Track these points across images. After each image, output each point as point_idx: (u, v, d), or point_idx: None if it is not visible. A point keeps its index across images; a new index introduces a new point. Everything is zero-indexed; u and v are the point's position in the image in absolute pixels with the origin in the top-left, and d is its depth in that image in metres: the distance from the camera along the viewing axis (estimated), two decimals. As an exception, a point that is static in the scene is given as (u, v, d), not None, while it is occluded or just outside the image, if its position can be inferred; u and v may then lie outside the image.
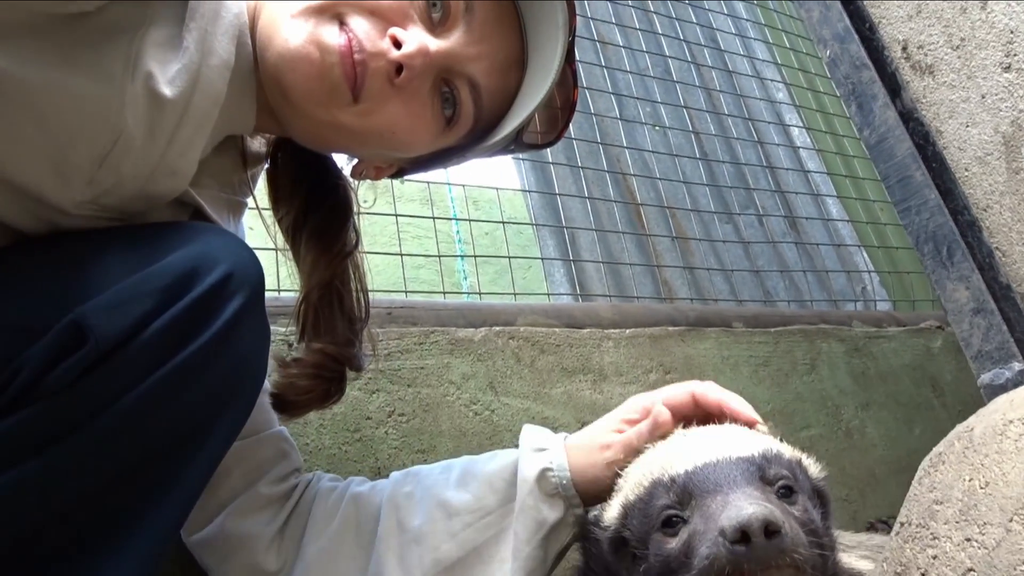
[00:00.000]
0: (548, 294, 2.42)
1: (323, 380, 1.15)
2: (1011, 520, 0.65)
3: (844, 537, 1.28)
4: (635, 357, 1.97)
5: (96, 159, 0.90)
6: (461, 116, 1.10)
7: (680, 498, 0.97)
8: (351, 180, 1.29)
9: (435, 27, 1.06)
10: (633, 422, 1.18)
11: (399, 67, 1.01)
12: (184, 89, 0.94)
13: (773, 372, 2.16)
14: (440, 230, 2.42)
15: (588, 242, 2.62)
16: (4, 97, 0.83)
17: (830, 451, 2.11)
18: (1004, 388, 1.07)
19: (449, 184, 2.34)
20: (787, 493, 0.99)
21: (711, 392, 1.17)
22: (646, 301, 2.56)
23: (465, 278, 2.54)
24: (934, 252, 1.16)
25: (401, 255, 2.18)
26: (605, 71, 2.93)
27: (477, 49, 1.07)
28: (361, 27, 1.02)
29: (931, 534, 0.74)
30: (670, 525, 0.97)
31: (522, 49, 1.13)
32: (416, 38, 1.02)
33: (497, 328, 1.83)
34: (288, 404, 1.14)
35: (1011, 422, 0.70)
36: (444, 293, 2.19)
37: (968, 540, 0.68)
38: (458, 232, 2.62)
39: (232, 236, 0.99)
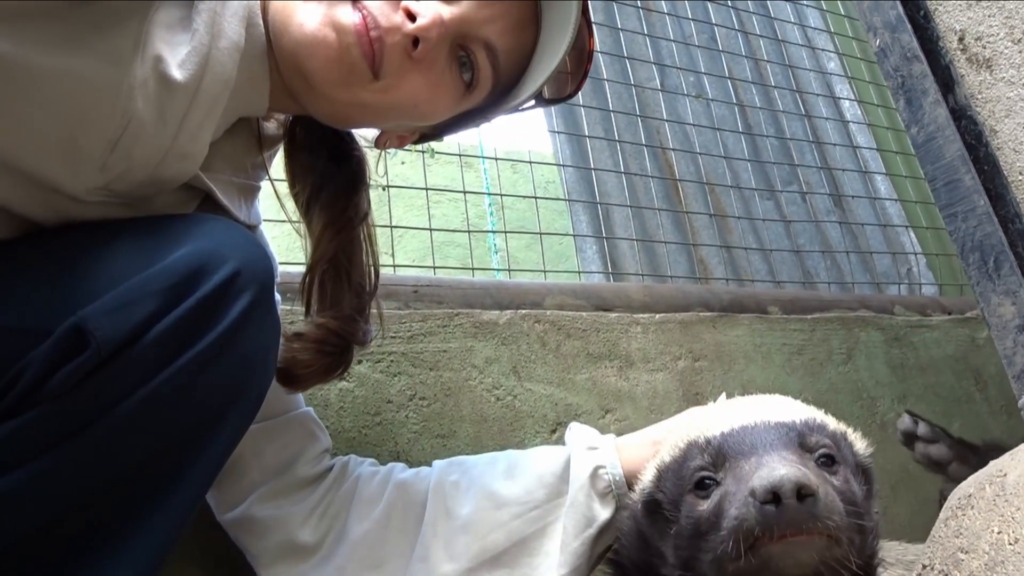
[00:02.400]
0: (579, 272, 2.38)
1: (325, 355, 1.15)
2: (1038, 587, 0.61)
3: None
4: (664, 343, 1.93)
5: (107, 144, 0.89)
6: (480, 80, 1.10)
7: (714, 460, 0.96)
8: (371, 149, 1.29)
9: None
10: None
11: (415, 40, 1.01)
12: (194, 72, 0.93)
13: (807, 361, 2.11)
14: (471, 201, 2.39)
15: (622, 218, 2.56)
16: (11, 83, 0.81)
17: (862, 444, 2.06)
18: (1049, 412, 1.01)
19: (483, 157, 2.29)
20: (828, 462, 0.97)
21: None
22: (680, 281, 2.50)
23: (496, 251, 2.51)
24: (980, 263, 1.10)
25: (431, 229, 2.15)
26: (647, 39, 2.83)
27: (490, 11, 1.07)
28: (374, 3, 1.00)
29: (953, 585, 0.70)
30: (703, 487, 0.96)
31: (535, 5, 1.11)
32: (429, 8, 1.02)
33: (523, 311, 1.80)
34: (292, 378, 1.13)
35: (1047, 475, 0.65)
36: (473, 269, 2.16)
37: (990, 600, 0.65)
38: (490, 204, 2.58)
39: (240, 231, 0.98)
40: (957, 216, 1.13)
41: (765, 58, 3.13)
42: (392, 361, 1.60)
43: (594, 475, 1.18)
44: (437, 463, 1.29)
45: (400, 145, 1.27)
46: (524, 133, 2.68)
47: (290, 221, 1.29)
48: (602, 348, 1.85)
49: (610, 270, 2.40)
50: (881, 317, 2.32)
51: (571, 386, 1.76)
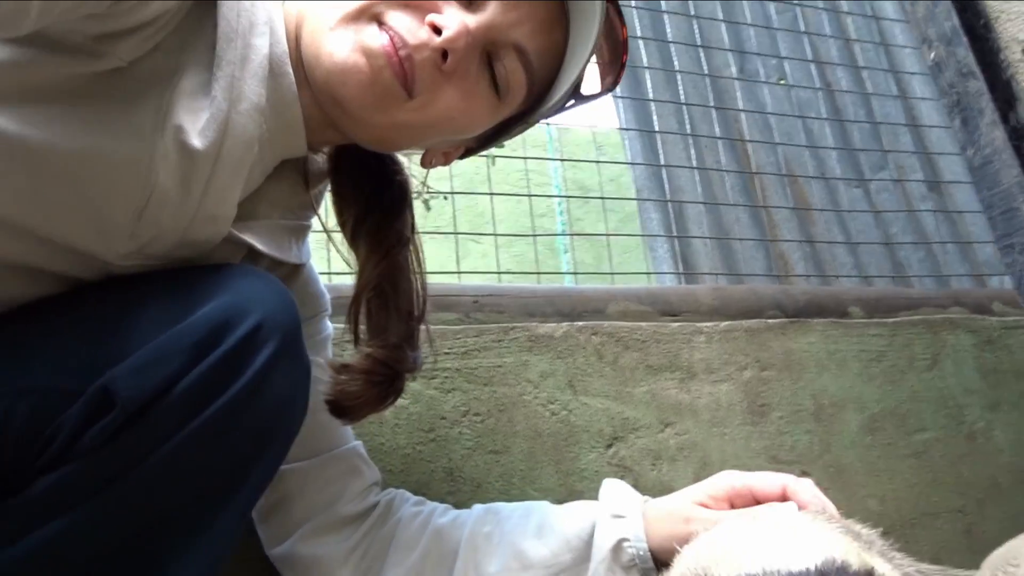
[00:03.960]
0: (648, 273, 2.34)
1: (374, 384, 1.16)
2: None
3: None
4: (728, 352, 1.88)
5: (133, 215, 0.94)
6: (513, 85, 1.09)
7: None
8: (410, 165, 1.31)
9: (470, 2, 1.05)
10: (718, 499, 1.15)
11: (444, 53, 1.01)
12: (214, 139, 0.96)
13: (886, 368, 2.01)
14: (539, 202, 2.38)
15: (696, 215, 2.50)
16: (39, 166, 0.87)
17: (946, 457, 1.96)
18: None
19: (550, 159, 2.28)
20: None
21: (803, 492, 1.10)
22: (757, 280, 2.43)
23: (565, 252, 2.50)
24: (1038, 299, 1.02)
25: (495, 235, 2.17)
26: (724, 25, 2.73)
27: (516, 14, 1.06)
28: (400, 22, 1.01)
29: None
30: None
31: (562, 4, 1.10)
32: (454, 19, 1.01)
33: (579, 324, 1.80)
34: (343, 410, 1.15)
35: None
36: (539, 274, 2.17)
37: None
38: (560, 204, 2.57)
39: (266, 280, 1.02)
40: (1014, 248, 1.06)
41: (854, 36, 2.96)
42: (446, 377, 1.63)
43: (617, 548, 1.16)
44: (476, 508, 1.30)
45: (446, 162, 1.27)
46: (594, 129, 2.64)
47: (339, 250, 1.34)
48: (662, 359, 1.82)
49: (681, 270, 2.35)
50: (972, 319, 2.18)
51: (629, 399, 1.75)
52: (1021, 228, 1.05)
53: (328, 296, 1.37)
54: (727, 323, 1.93)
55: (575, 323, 1.80)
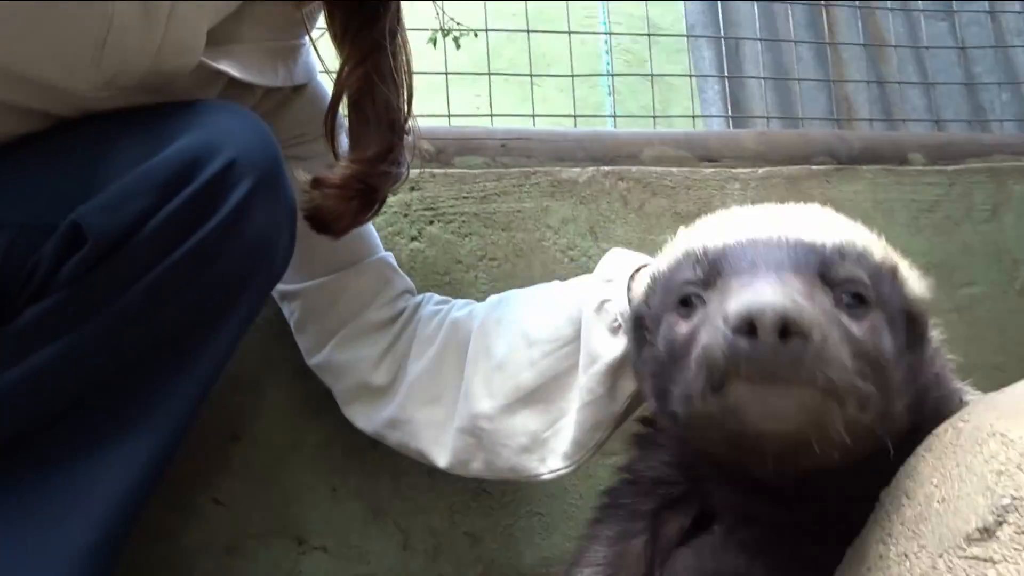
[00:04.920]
0: (694, 116, 2.21)
1: (349, 200, 1.13)
2: (940, 556, 0.55)
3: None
4: (764, 200, 1.76)
5: (95, 45, 0.92)
6: None
7: (706, 275, 0.77)
8: None
9: None
10: None
11: None
12: None
13: (939, 220, 1.89)
14: (587, 44, 2.26)
15: (753, 53, 2.33)
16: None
17: (992, 311, 1.86)
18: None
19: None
20: (855, 303, 0.73)
21: None
22: (812, 126, 2.27)
23: (609, 94, 2.38)
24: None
25: (531, 75, 2.08)
26: None
27: None
28: None
29: (888, 530, 0.65)
30: (687, 304, 0.78)
31: None
32: None
33: (605, 168, 1.73)
34: (322, 224, 1.14)
35: (993, 435, 0.57)
36: (575, 117, 2.08)
37: (904, 556, 0.60)
38: (607, 42, 2.42)
39: (240, 116, 1.00)
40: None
41: None
42: (464, 221, 1.62)
43: (600, 309, 1.11)
44: (491, 298, 1.31)
45: None
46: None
47: (326, 72, 1.28)
48: (692, 206, 1.75)
49: (730, 113, 2.22)
50: (1045, 166, 2.00)
51: (652, 247, 1.67)
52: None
53: (339, 115, 1.34)
54: (765, 169, 1.83)
55: (601, 168, 1.73)
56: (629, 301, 1.07)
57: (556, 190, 1.69)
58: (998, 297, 1.88)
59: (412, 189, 1.60)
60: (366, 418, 1.30)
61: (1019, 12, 2.57)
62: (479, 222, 1.63)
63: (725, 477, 0.89)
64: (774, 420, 0.66)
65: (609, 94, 2.38)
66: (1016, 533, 0.49)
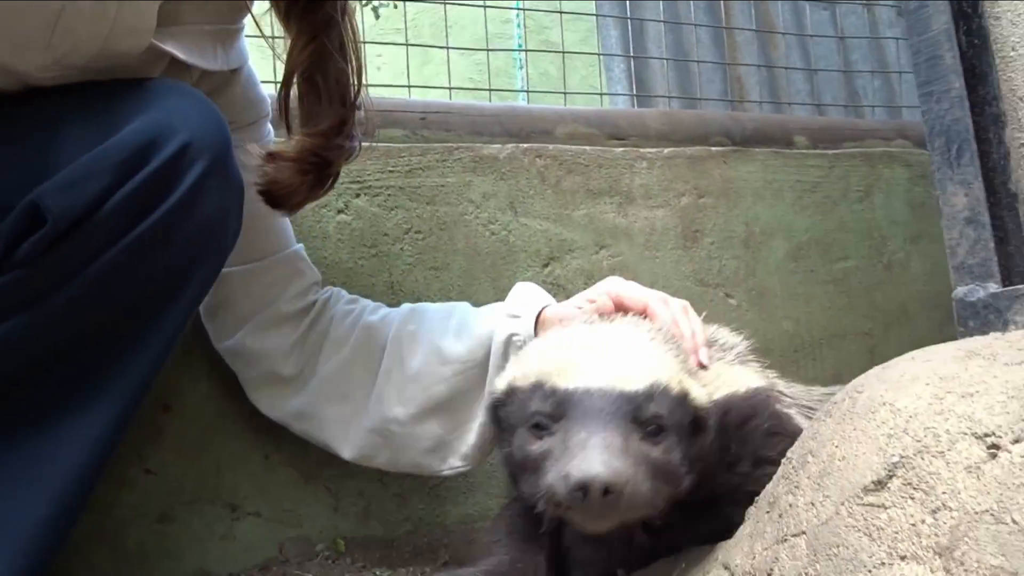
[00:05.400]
0: (601, 94, 2.32)
1: (304, 173, 1.17)
2: (842, 504, 0.68)
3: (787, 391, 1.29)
4: (668, 179, 1.93)
5: (46, 26, 0.92)
6: None
7: (553, 411, 1.01)
8: None
9: None
10: (595, 303, 1.24)
11: None
12: None
13: (819, 199, 2.08)
14: (496, 18, 2.30)
15: (656, 35, 2.45)
16: None
17: (863, 284, 2.08)
18: (975, 306, 1.03)
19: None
20: (655, 432, 1.00)
21: (662, 314, 1.18)
22: (708, 106, 2.43)
23: (520, 67, 2.45)
24: (944, 148, 1.07)
25: (447, 48, 2.11)
26: None
27: None
28: None
29: (796, 482, 0.78)
30: (539, 427, 1.02)
31: None
32: None
33: (524, 146, 1.81)
34: (277, 199, 1.18)
35: (884, 404, 0.70)
36: (490, 91, 2.14)
37: (812, 504, 0.73)
38: (518, 24, 2.48)
39: (194, 98, 1.02)
40: (932, 96, 1.08)
41: None
42: (389, 195, 1.66)
43: (507, 342, 1.26)
44: (403, 307, 1.40)
45: None
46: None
47: (265, 37, 1.28)
48: (603, 184, 1.86)
49: (635, 92, 2.34)
50: (910, 153, 2.23)
51: (567, 222, 1.81)
52: (941, 77, 1.07)
53: (268, 100, 1.36)
54: (670, 149, 1.96)
55: (520, 144, 1.81)
56: (535, 330, 1.26)
57: (478, 165, 1.75)
58: (867, 270, 2.10)
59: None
60: (270, 406, 1.37)
61: (891, 5, 2.80)
62: (404, 196, 1.68)
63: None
64: (595, 528, 1.00)
65: (520, 67, 2.44)
66: (903, 484, 0.62)
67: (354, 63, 1.21)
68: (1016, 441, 0.57)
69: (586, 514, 0.94)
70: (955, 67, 1.06)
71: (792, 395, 1.27)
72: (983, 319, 1.02)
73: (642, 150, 1.93)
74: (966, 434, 0.60)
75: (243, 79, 1.28)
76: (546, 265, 1.78)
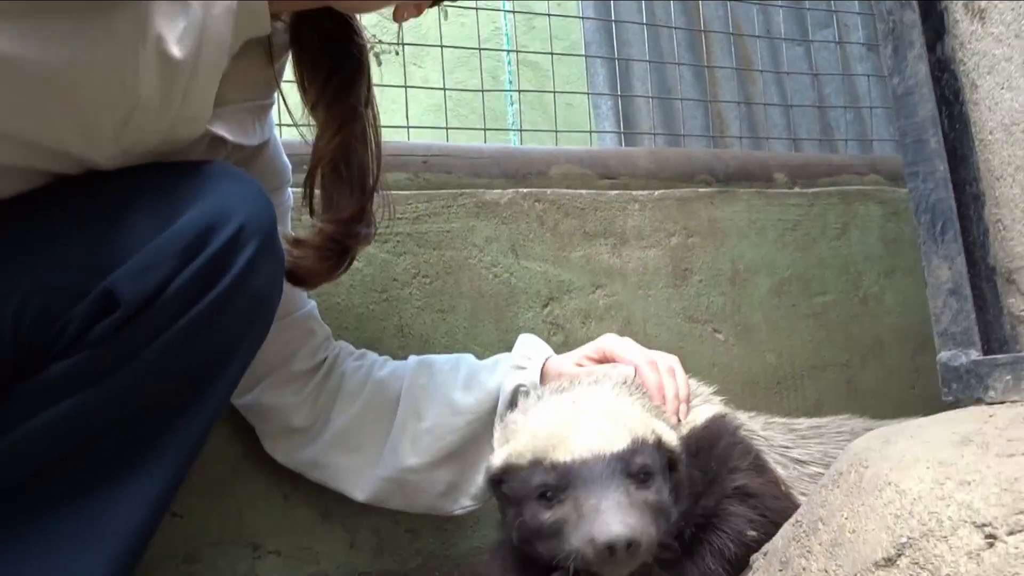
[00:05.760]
0: (591, 131, 2.41)
1: (326, 259, 1.26)
2: (855, 575, 0.77)
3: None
4: (659, 220, 2.03)
5: (119, 123, 0.98)
6: None
7: (558, 482, 1.13)
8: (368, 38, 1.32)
9: None
10: (592, 360, 1.38)
11: None
12: (192, 47, 0.99)
13: (800, 237, 2.20)
14: (489, 59, 2.38)
15: (641, 72, 2.55)
16: (28, 79, 0.90)
17: (840, 317, 2.20)
18: (958, 371, 1.13)
19: (504, 11, 2.26)
20: (645, 479, 1.14)
21: (650, 378, 1.32)
22: (691, 141, 2.53)
23: (511, 103, 2.53)
24: (929, 224, 1.17)
25: (444, 89, 2.19)
26: None
27: None
28: None
29: (808, 547, 0.87)
30: (546, 498, 1.14)
31: None
32: None
33: (524, 191, 1.89)
34: (299, 280, 1.27)
35: (889, 484, 0.79)
36: (485, 130, 2.22)
37: (825, 571, 0.82)
38: (508, 62, 2.56)
39: (244, 182, 1.09)
40: (918, 175, 1.19)
41: None
42: (398, 241, 1.74)
43: (515, 392, 1.38)
44: (411, 360, 1.49)
45: (417, 13, 1.29)
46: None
47: (295, 125, 1.37)
48: (598, 226, 1.95)
49: (622, 129, 2.43)
50: (883, 190, 2.36)
51: (565, 263, 1.90)
52: (927, 159, 1.18)
53: (290, 167, 1.43)
54: (661, 191, 2.05)
55: (520, 190, 1.89)
56: (542, 379, 1.38)
57: (480, 210, 1.83)
58: (844, 304, 2.22)
59: (349, 210, 1.69)
60: (287, 455, 1.46)
61: (863, 43, 2.93)
62: (412, 241, 1.75)
63: None
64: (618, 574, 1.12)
65: (511, 104, 2.53)
66: (911, 563, 0.72)
67: (374, 149, 1.28)
68: (1011, 533, 0.66)
69: (612, 567, 1.08)
70: (939, 151, 1.16)
71: (747, 423, 1.40)
72: (965, 383, 1.12)
73: (634, 192, 2.02)
74: (966, 522, 0.70)
75: (271, 149, 1.35)
76: (545, 305, 1.86)
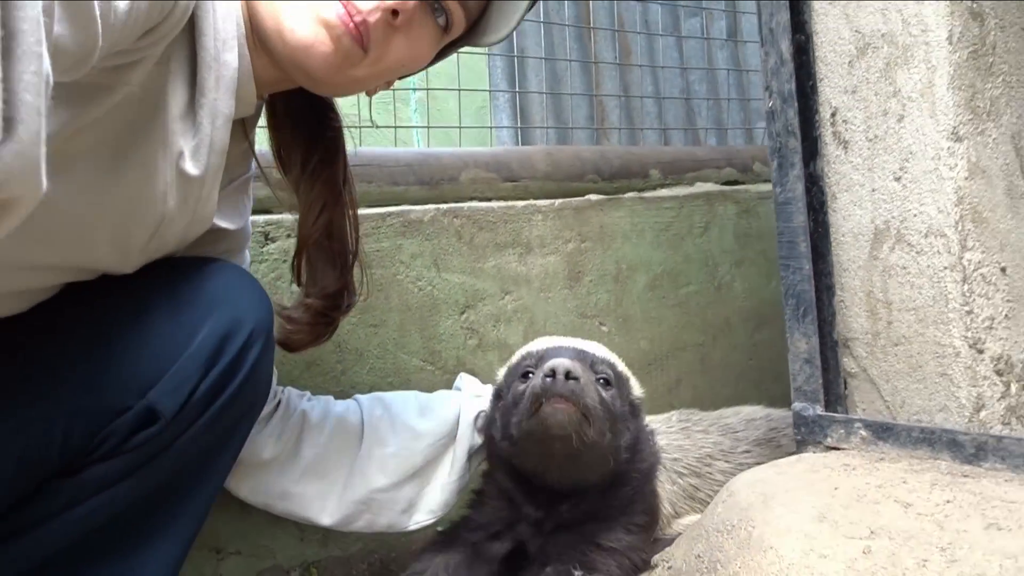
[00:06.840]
0: (491, 127, 2.59)
1: (314, 331, 1.44)
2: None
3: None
4: (558, 228, 2.28)
5: (149, 236, 1.10)
6: (454, 22, 1.23)
7: (535, 361, 1.49)
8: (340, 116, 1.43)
9: None
10: None
11: (394, 11, 1.14)
12: (205, 162, 1.11)
13: (671, 236, 2.53)
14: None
15: (536, 64, 2.73)
16: (78, 219, 1.01)
17: (699, 304, 2.59)
18: (807, 420, 1.50)
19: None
20: (604, 383, 1.49)
21: None
22: (577, 134, 2.77)
23: (415, 109, 2.65)
24: (795, 307, 1.51)
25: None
26: None
27: None
28: None
29: (718, 559, 1.22)
30: (525, 377, 1.49)
31: None
32: None
33: (444, 207, 2.08)
34: (291, 349, 1.45)
35: (771, 548, 1.14)
36: (395, 128, 2.34)
37: (724, 605, 1.17)
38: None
39: (251, 285, 1.23)
40: (789, 268, 1.52)
41: None
42: (334, 263, 1.89)
43: (477, 417, 1.67)
44: (362, 398, 1.69)
45: (388, 87, 1.39)
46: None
47: (276, 194, 1.49)
48: (508, 237, 2.18)
49: (519, 124, 2.63)
50: (738, 191, 2.73)
51: (480, 273, 2.13)
52: (797, 257, 1.50)
53: (250, 229, 1.54)
54: (560, 201, 2.30)
55: (440, 206, 2.08)
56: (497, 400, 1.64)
57: (407, 229, 2.01)
58: (703, 293, 2.61)
59: (288, 236, 1.82)
60: (252, 491, 1.57)
61: (726, 39, 3.24)
62: (347, 262, 1.91)
63: (529, 489, 1.55)
64: (559, 425, 1.38)
65: (415, 109, 2.64)
66: (788, 613, 1.07)
67: (353, 221, 1.43)
68: (853, 601, 1.02)
69: (555, 393, 1.36)
70: (807, 253, 1.49)
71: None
72: (811, 429, 1.50)
73: (538, 203, 2.26)
74: (825, 588, 1.05)
75: (248, 224, 1.46)
76: (463, 313, 2.10)
